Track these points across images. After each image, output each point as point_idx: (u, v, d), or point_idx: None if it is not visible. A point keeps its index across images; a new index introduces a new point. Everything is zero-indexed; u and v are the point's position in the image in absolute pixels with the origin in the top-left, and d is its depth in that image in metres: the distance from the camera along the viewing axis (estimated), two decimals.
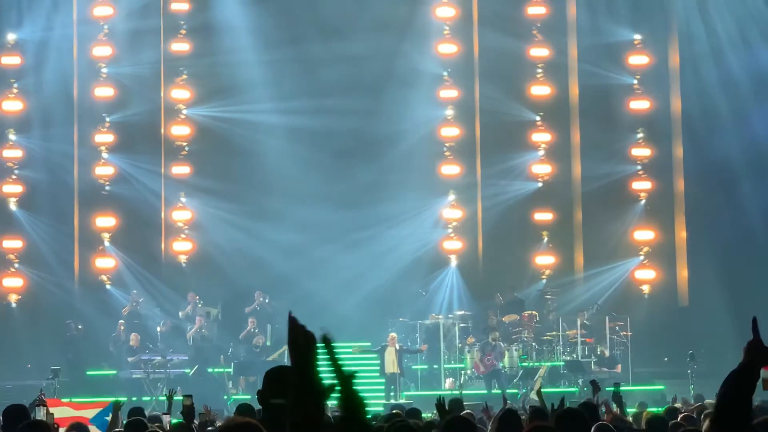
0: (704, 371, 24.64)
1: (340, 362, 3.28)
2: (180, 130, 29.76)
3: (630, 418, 13.14)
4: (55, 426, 10.61)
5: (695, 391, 22.83)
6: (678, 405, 16.17)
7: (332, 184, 28.76)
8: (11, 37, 29.26)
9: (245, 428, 4.27)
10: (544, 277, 29.84)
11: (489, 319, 27.50)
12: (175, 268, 29.41)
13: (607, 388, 15.55)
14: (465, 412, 11.55)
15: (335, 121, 28.93)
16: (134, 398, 23.70)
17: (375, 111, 29.11)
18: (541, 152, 30.26)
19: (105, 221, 29.12)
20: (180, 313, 27.92)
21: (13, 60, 29.27)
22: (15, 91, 29.21)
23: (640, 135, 30.19)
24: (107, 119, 29.30)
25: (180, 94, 29.80)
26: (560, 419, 7.80)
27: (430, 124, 30.11)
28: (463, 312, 28.35)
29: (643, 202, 30.14)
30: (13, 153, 29.10)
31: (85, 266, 29.23)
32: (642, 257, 29.89)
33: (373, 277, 28.01)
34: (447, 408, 10.13)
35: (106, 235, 29.13)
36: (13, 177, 29.07)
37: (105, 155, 29.33)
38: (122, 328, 26.96)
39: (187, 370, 26.23)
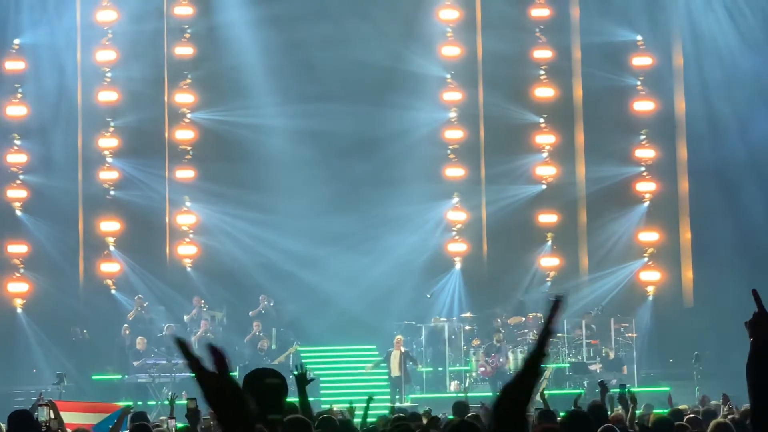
0: (709, 372, 24.62)
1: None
2: (184, 134, 29.75)
3: (636, 421, 13.11)
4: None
5: (700, 392, 22.78)
6: (683, 407, 16.13)
7: (336, 188, 28.75)
8: (15, 42, 29.27)
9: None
10: (549, 279, 29.83)
11: (494, 321, 27.50)
12: (180, 272, 29.40)
13: (612, 390, 15.53)
14: (470, 414, 11.56)
15: (339, 124, 28.92)
16: (140, 402, 23.71)
17: (379, 114, 29.08)
18: (545, 154, 30.24)
19: (110, 226, 29.13)
20: (185, 317, 27.95)
21: (17, 65, 29.22)
22: (19, 96, 29.18)
23: (644, 136, 30.16)
24: (111, 123, 29.30)
25: (184, 98, 29.79)
26: (567, 421, 7.81)
27: (433, 127, 30.10)
28: (467, 314, 28.33)
29: (647, 203, 30.10)
30: (18, 158, 29.09)
31: (90, 271, 29.23)
32: (646, 258, 29.86)
33: (378, 279, 28.01)
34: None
35: (111, 240, 29.14)
36: (18, 182, 29.06)
37: (109, 160, 29.33)
38: (127, 332, 26.98)
39: (193, 374, 26.16)
